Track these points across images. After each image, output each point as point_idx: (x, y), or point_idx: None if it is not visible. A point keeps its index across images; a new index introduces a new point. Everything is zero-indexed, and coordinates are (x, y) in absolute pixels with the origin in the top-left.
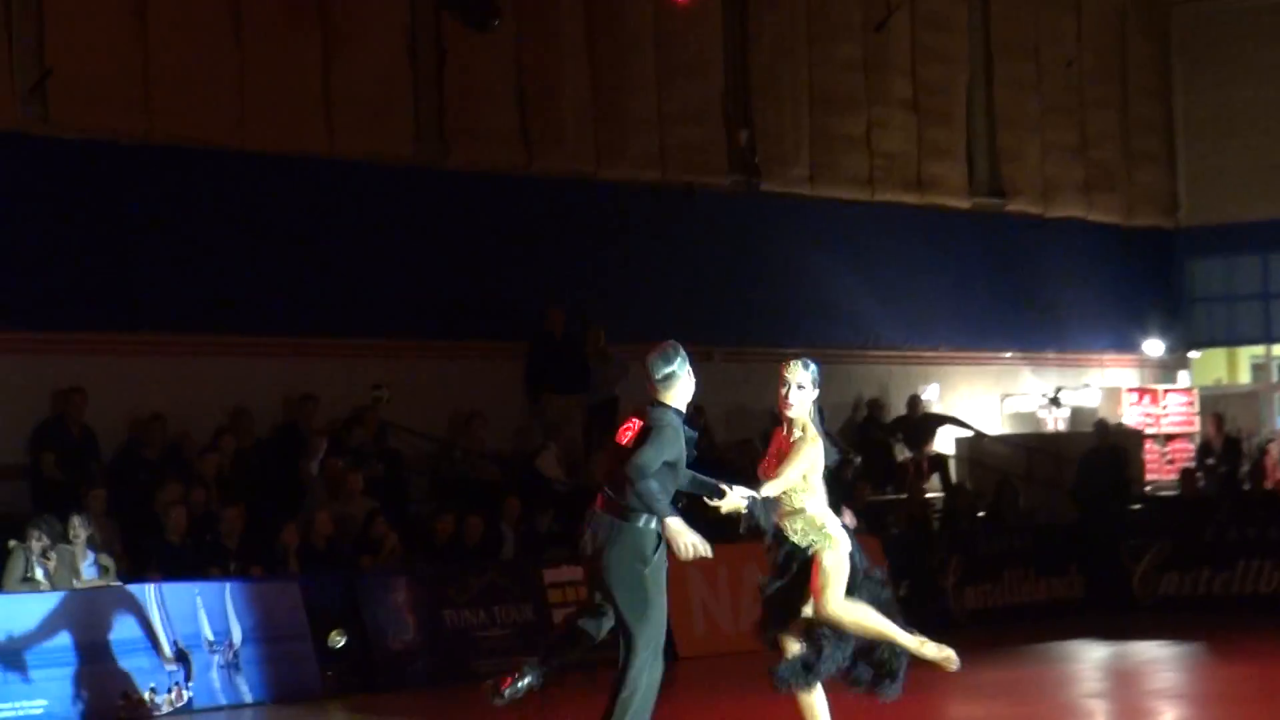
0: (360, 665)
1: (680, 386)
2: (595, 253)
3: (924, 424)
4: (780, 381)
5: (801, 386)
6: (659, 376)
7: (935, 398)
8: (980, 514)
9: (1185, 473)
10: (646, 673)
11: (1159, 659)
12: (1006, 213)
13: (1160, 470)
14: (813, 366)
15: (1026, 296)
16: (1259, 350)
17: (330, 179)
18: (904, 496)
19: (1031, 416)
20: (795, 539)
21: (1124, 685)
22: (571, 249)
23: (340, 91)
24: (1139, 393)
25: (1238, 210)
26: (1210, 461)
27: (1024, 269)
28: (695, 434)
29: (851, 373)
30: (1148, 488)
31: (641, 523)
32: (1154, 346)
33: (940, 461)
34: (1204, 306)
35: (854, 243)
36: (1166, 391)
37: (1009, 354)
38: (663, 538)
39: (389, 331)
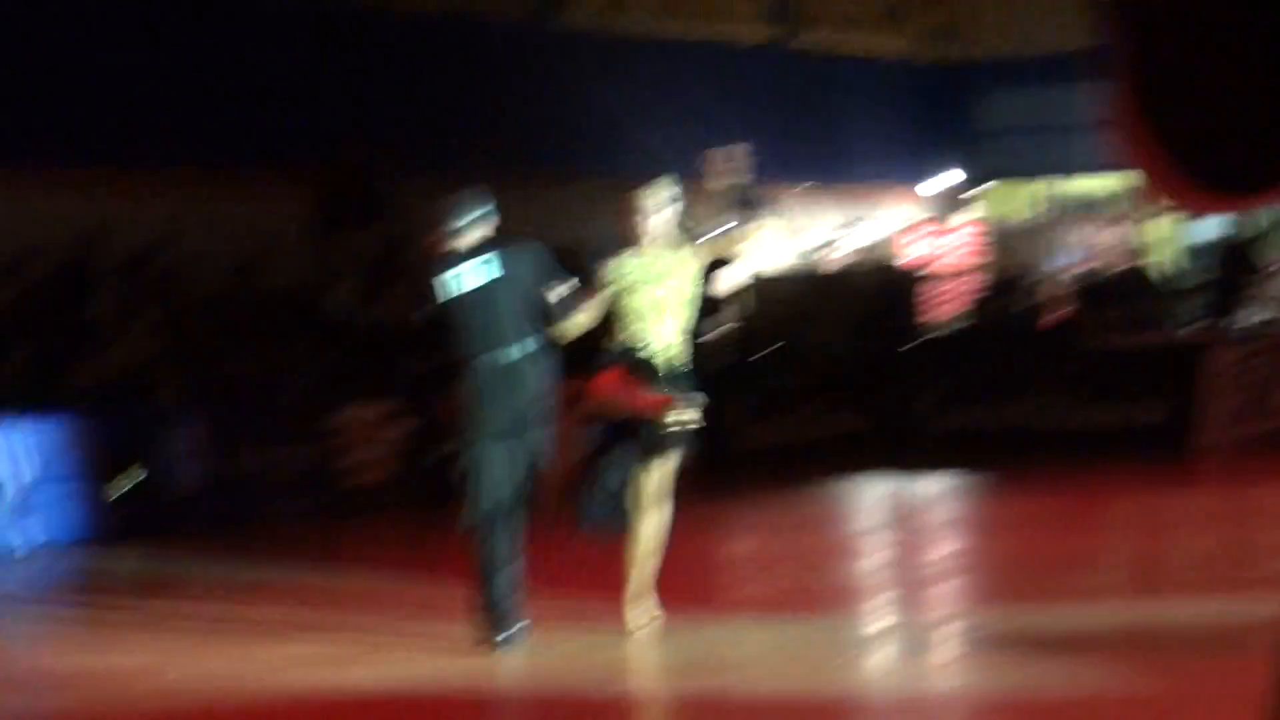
0: (149, 507)
1: None
2: (390, 86)
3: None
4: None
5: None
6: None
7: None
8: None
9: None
10: None
11: (941, 491)
12: (797, 46)
13: (943, 307)
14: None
15: (816, 132)
16: (1044, 186)
17: (124, 3)
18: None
19: (818, 253)
20: None
21: (907, 517)
22: (369, 81)
23: None
24: (924, 228)
25: (1025, 43)
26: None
27: (812, 103)
28: None
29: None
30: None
31: None
32: (942, 181)
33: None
34: (990, 140)
35: (646, 78)
36: (953, 228)
37: (803, 186)
38: None
39: (182, 161)
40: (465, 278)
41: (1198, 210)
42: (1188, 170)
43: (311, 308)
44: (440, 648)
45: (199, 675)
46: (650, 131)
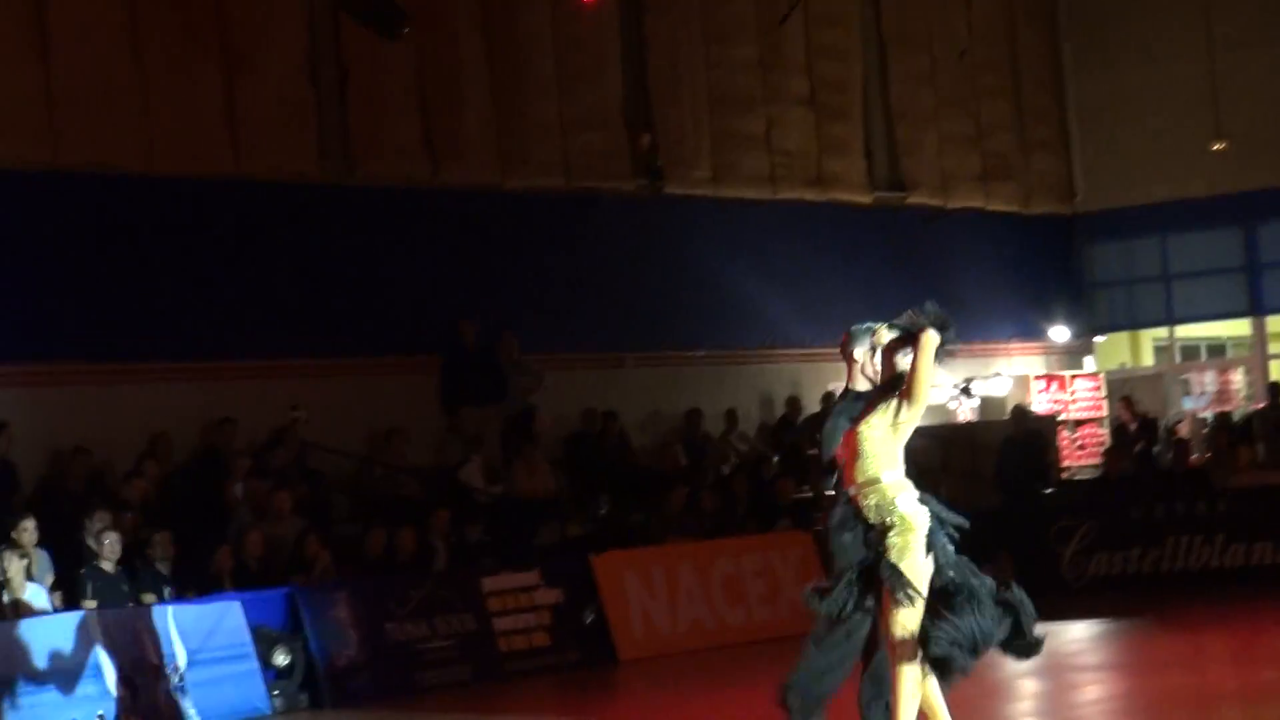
0: (305, 682)
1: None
2: (504, 263)
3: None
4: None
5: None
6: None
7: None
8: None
9: (1108, 453)
10: None
11: (1089, 636)
12: (907, 206)
13: (1071, 455)
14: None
15: (930, 289)
16: (1161, 333)
17: (238, 200)
18: (828, 494)
19: (942, 408)
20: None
21: (1055, 662)
22: (480, 260)
23: (244, 112)
24: (1047, 379)
25: (1134, 193)
26: (1130, 443)
27: (926, 261)
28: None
29: (763, 372)
30: (1064, 473)
31: None
32: (1058, 333)
33: None
34: (1105, 291)
35: (758, 242)
36: (1074, 377)
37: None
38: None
39: (303, 351)
40: None
41: None
42: None
43: (445, 482)
44: None
45: None
46: (764, 300)
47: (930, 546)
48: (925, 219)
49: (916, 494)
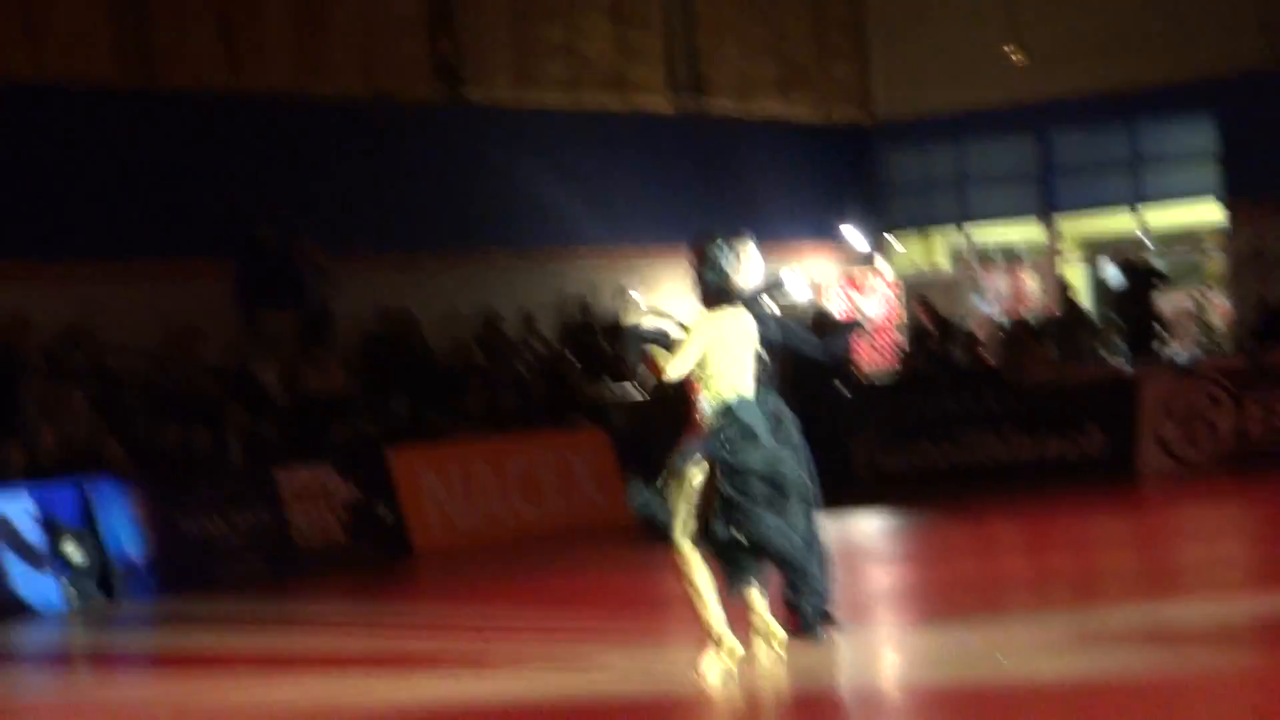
0: (100, 577)
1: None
2: (303, 167)
3: (652, 336)
4: None
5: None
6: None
7: (640, 295)
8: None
9: (904, 353)
10: None
11: (883, 529)
12: (706, 113)
13: (868, 357)
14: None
15: (729, 194)
16: (956, 237)
17: (36, 104)
18: (625, 393)
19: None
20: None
21: (849, 553)
22: (279, 164)
23: (41, 16)
24: (843, 282)
25: (931, 102)
26: (928, 344)
27: (725, 168)
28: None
29: (560, 271)
30: (860, 374)
31: None
32: (855, 237)
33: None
34: (901, 196)
35: (559, 148)
36: (870, 280)
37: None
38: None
39: (100, 252)
40: None
41: None
42: None
43: (241, 381)
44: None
45: None
46: (564, 203)
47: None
48: (724, 126)
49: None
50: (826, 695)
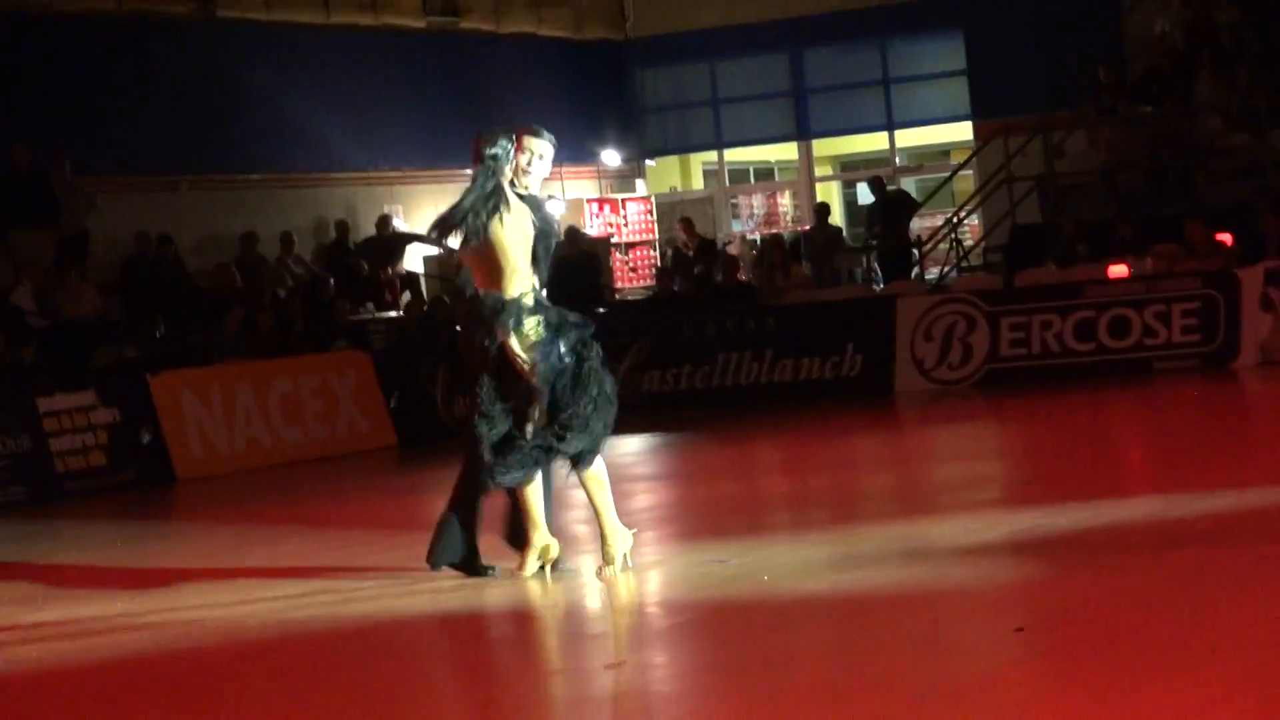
0: None
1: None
2: (56, 86)
3: (393, 243)
4: None
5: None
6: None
7: (401, 217)
8: (457, 326)
9: (660, 273)
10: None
11: (641, 450)
12: (460, 30)
13: (624, 278)
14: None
15: (485, 114)
16: (711, 156)
17: None
18: (385, 315)
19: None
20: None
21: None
22: (31, 82)
23: None
24: (599, 202)
25: (684, 19)
26: (688, 264)
27: (480, 86)
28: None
29: (318, 195)
30: (616, 294)
31: None
32: (610, 156)
33: (412, 278)
34: (656, 115)
35: (312, 67)
36: (625, 200)
37: (470, 171)
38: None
39: None
40: None
41: None
42: None
43: None
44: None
45: None
46: (319, 124)
47: None
48: (478, 44)
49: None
50: (590, 617)
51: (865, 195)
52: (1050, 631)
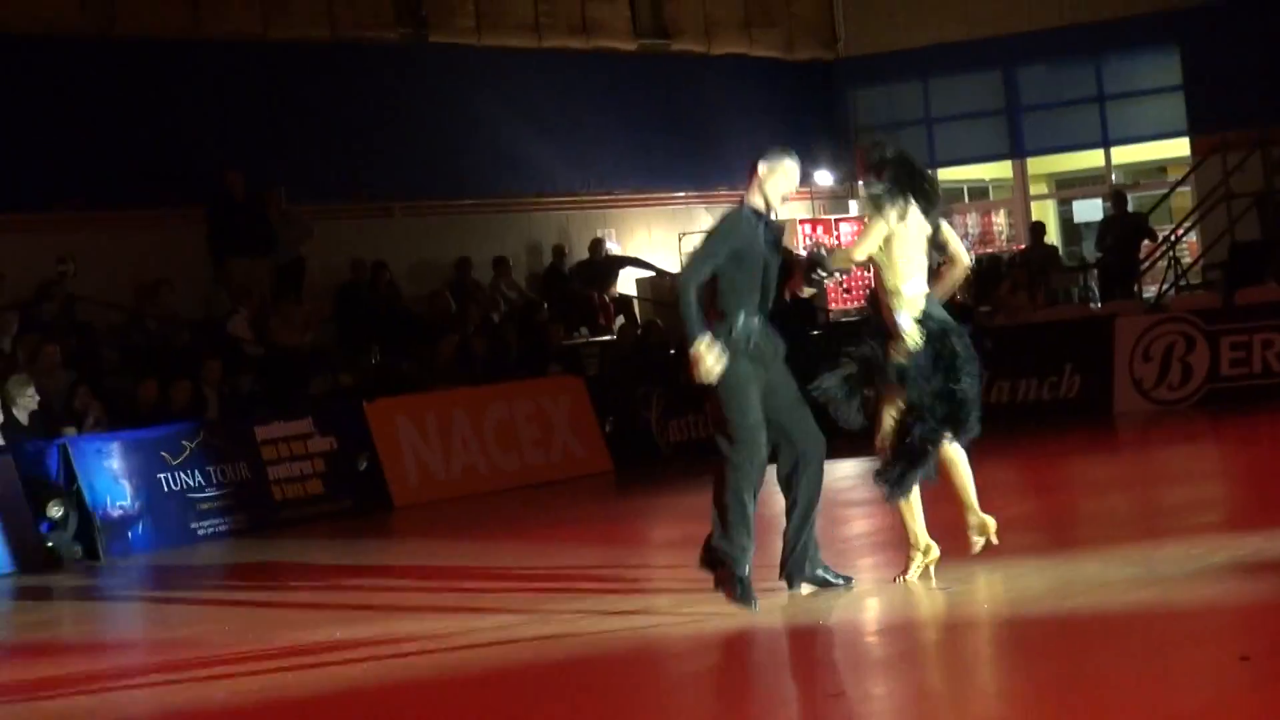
0: (80, 534)
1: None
2: (270, 114)
3: (606, 266)
4: None
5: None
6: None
7: (614, 240)
8: (672, 350)
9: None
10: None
11: (858, 473)
12: (671, 53)
13: (839, 300)
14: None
15: (695, 136)
16: None
17: (2, 54)
18: (598, 339)
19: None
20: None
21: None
22: (246, 111)
23: None
24: (812, 224)
25: (895, 38)
26: None
27: (690, 108)
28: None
29: (531, 219)
30: (830, 315)
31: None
32: (823, 177)
33: (626, 302)
34: (868, 136)
35: (524, 91)
36: (838, 221)
37: (682, 194)
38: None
39: (69, 204)
40: None
41: None
42: None
43: (215, 333)
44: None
45: None
46: (531, 148)
47: None
48: (689, 66)
49: None
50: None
51: (1082, 213)
52: (1276, 658)
